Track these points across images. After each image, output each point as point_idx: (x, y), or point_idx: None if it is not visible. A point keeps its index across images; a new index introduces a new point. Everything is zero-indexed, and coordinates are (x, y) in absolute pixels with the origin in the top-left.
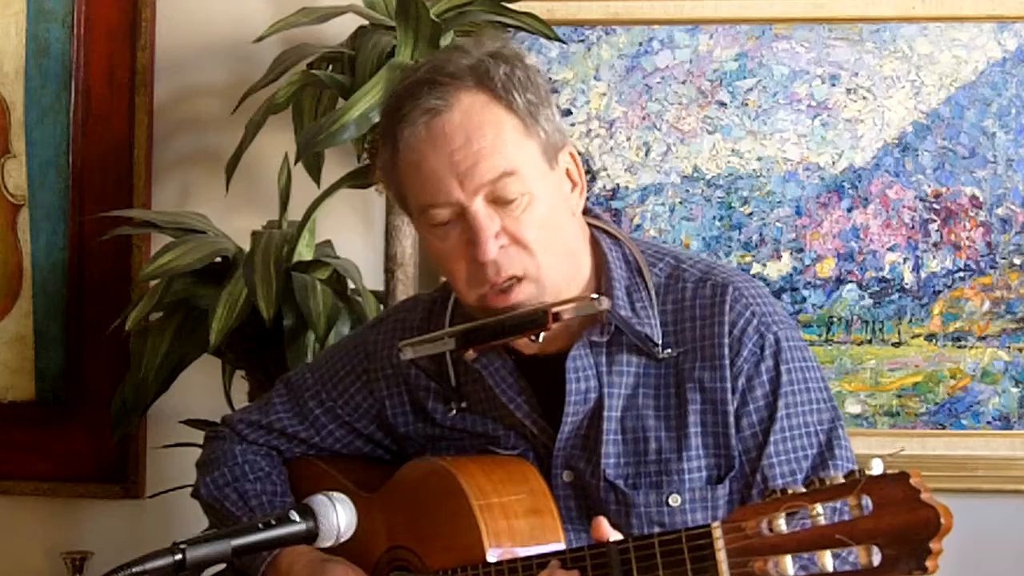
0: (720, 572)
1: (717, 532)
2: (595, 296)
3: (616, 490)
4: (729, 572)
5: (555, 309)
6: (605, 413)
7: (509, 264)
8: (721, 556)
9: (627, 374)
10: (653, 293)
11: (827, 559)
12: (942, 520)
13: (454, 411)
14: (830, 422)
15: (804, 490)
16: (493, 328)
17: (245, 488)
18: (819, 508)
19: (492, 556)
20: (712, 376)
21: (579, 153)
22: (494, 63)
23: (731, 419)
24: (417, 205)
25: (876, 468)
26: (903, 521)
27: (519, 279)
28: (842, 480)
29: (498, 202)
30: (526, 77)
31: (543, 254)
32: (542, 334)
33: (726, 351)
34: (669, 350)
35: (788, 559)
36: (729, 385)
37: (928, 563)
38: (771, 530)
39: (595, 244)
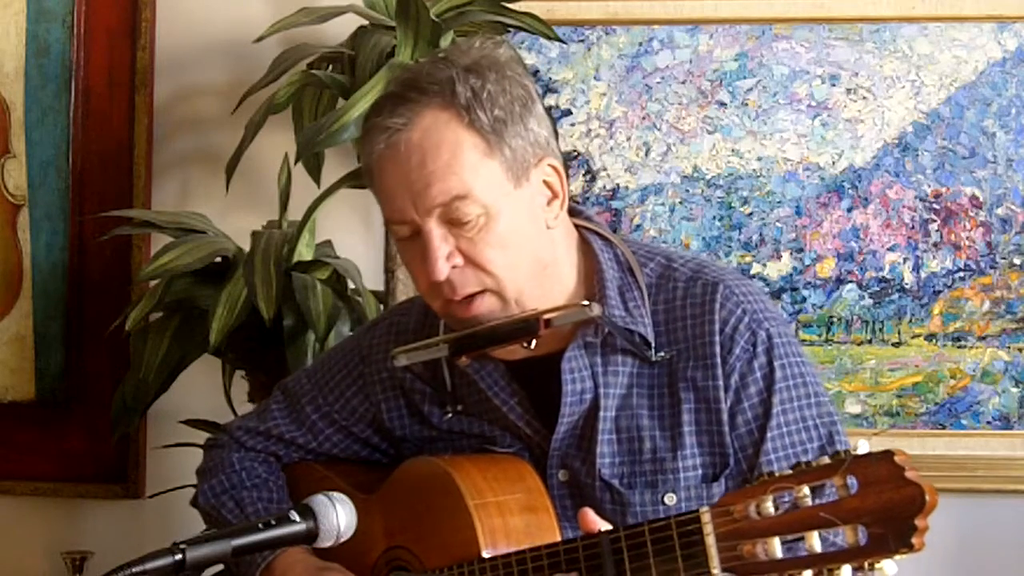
0: (709, 557)
1: (706, 517)
2: (586, 303)
3: (612, 490)
4: (718, 556)
5: (546, 316)
6: (601, 413)
7: (463, 283)
8: (710, 541)
9: (622, 374)
10: (645, 292)
11: (814, 540)
12: (927, 497)
13: (450, 414)
14: (829, 415)
15: (791, 472)
16: (486, 335)
17: (242, 495)
18: (805, 490)
19: (488, 554)
20: (704, 375)
21: (568, 159)
22: (465, 77)
23: (724, 417)
24: (384, 217)
25: (862, 448)
26: (888, 499)
27: (480, 293)
28: (828, 461)
29: (453, 223)
30: (499, 91)
31: (503, 271)
32: (534, 341)
33: (717, 349)
34: (662, 352)
35: (776, 541)
36: (722, 383)
37: (914, 540)
38: (759, 513)
39: (586, 246)
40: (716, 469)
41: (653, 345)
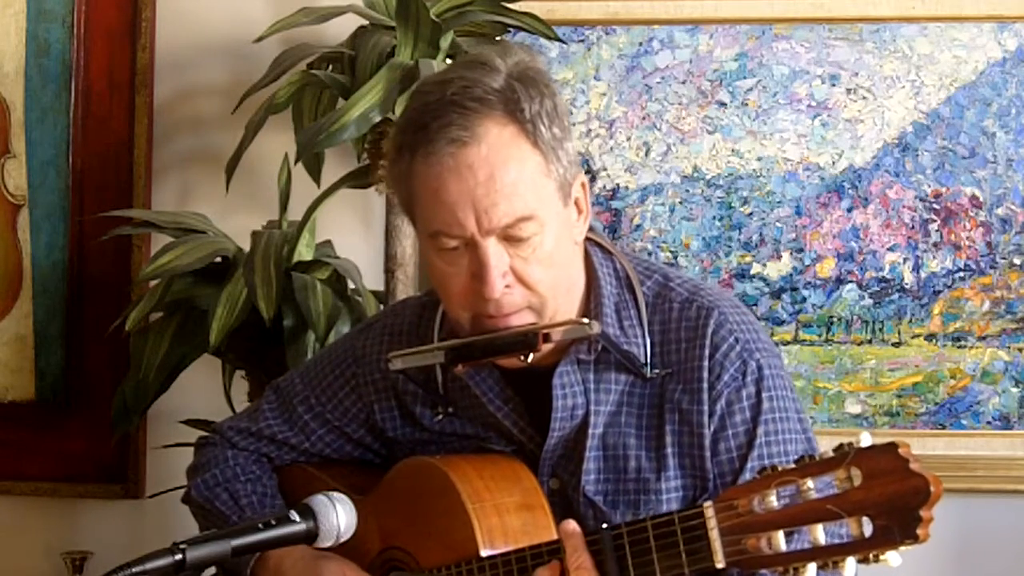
0: (713, 551)
1: (709, 512)
2: (586, 320)
3: (594, 507)
4: (723, 551)
5: (546, 331)
6: (590, 430)
7: (511, 304)
8: (714, 535)
9: (613, 392)
10: (643, 310)
11: (819, 533)
12: (932, 488)
13: (441, 416)
14: (811, 453)
15: (794, 466)
16: (483, 346)
17: (236, 488)
18: (809, 483)
19: (486, 553)
20: (690, 399)
21: (588, 174)
22: (524, 91)
23: (707, 442)
24: (428, 228)
25: (864, 440)
26: (893, 491)
27: (519, 310)
28: (831, 454)
29: (510, 240)
30: (553, 107)
31: (547, 290)
32: (532, 355)
33: (705, 374)
34: (657, 371)
35: (780, 535)
36: (706, 408)
37: (919, 531)
38: (763, 507)
39: (586, 258)
40: (696, 492)
41: (648, 363)
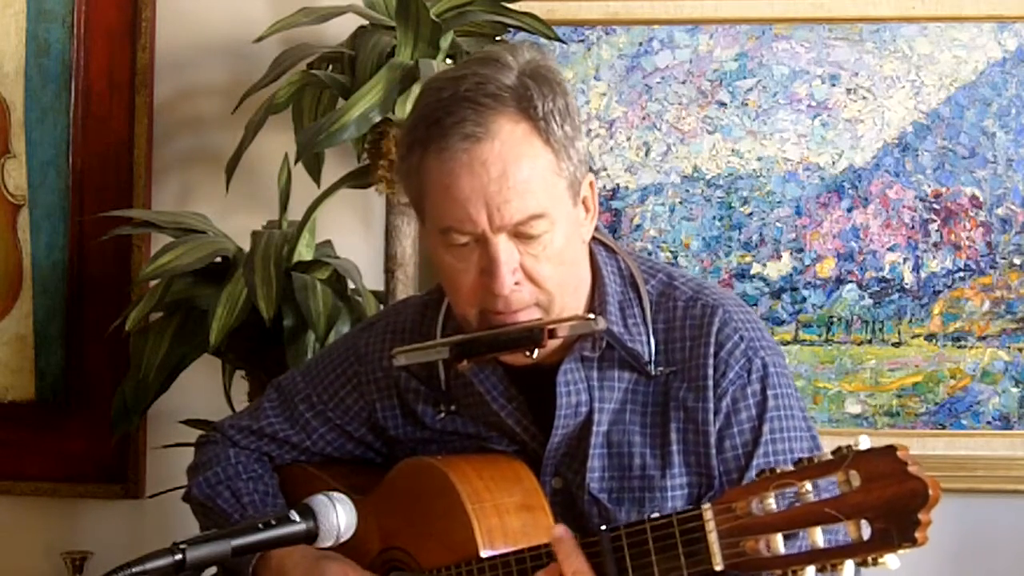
0: (712, 553)
1: (708, 514)
2: (591, 316)
3: (599, 504)
4: (721, 553)
5: (551, 327)
6: (594, 428)
7: (519, 301)
8: (712, 538)
9: (617, 389)
10: (647, 308)
11: (817, 535)
12: (930, 491)
13: (443, 414)
14: (810, 452)
15: (793, 468)
16: (488, 342)
17: (238, 486)
18: (808, 485)
19: (486, 554)
20: (695, 396)
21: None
22: (537, 89)
23: (711, 439)
24: (438, 224)
25: (863, 443)
26: (891, 494)
27: (527, 307)
28: (830, 457)
29: (521, 237)
30: (565, 106)
31: (555, 288)
32: (537, 351)
33: (710, 372)
34: (661, 368)
35: (779, 537)
36: (711, 406)
37: (917, 535)
38: (761, 509)
39: (591, 256)
40: (701, 490)
41: (652, 361)
